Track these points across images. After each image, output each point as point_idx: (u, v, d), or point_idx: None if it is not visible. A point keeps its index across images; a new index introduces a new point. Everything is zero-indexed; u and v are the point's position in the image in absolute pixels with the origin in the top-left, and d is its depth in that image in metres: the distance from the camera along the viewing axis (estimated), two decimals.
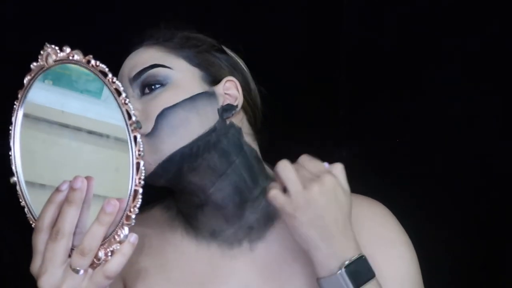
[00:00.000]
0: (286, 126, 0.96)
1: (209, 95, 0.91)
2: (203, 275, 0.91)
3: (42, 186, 0.79)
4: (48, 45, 0.79)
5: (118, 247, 0.74)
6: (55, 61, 0.78)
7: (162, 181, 0.88)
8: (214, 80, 0.93)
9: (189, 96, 0.89)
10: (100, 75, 0.76)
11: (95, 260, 0.74)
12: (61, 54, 0.78)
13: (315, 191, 0.78)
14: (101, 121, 0.78)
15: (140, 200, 0.74)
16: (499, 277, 1.30)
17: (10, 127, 0.82)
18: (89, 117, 0.78)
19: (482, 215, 1.29)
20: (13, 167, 0.81)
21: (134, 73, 0.90)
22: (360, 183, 1.31)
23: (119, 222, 0.74)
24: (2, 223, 1.29)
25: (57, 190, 0.75)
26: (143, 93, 0.90)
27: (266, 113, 1.02)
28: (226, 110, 0.91)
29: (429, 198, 1.29)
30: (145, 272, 0.93)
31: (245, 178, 0.92)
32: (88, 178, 0.75)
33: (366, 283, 0.79)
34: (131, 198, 0.74)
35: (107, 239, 0.74)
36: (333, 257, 0.79)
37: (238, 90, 0.94)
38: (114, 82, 0.75)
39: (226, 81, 0.94)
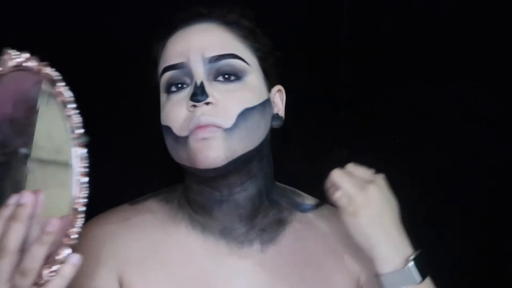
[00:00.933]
0: (286, 126, 0.96)
1: (269, 102, 0.92)
2: (208, 271, 0.91)
3: None
4: (9, 51, 0.76)
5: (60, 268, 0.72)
6: (13, 66, 0.75)
7: (217, 174, 0.87)
8: (269, 86, 0.94)
9: (262, 100, 0.89)
10: (47, 83, 0.73)
11: (38, 279, 0.71)
12: (18, 60, 0.75)
13: (373, 191, 0.84)
14: (44, 134, 0.74)
15: (82, 219, 0.72)
16: (499, 277, 1.30)
17: None
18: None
19: (482, 215, 1.29)
20: None
21: (212, 54, 0.88)
22: None
23: (61, 242, 0.71)
24: None
25: (5, 205, 0.71)
26: (214, 78, 0.88)
27: None
28: (275, 119, 0.93)
29: (429, 197, 1.29)
30: (144, 268, 0.91)
31: (266, 183, 0.93)
32: (36, 193, 0.71)
33: (427, 276, 0.84)
34: (72, 216, 0.72)
35: (50, 258, 0.72)
36: (397, 252, 0.83)
37: (282, 101, 0.96)
38: (61, 93, 0.72)
39: (277, 90, 0.95)
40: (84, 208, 0.71)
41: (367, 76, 1.32)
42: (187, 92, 0.88)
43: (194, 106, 0.85)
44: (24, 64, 0.75)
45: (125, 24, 1.21)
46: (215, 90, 0.87)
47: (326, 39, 1.32)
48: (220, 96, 0.86)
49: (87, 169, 0.71)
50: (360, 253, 0.88)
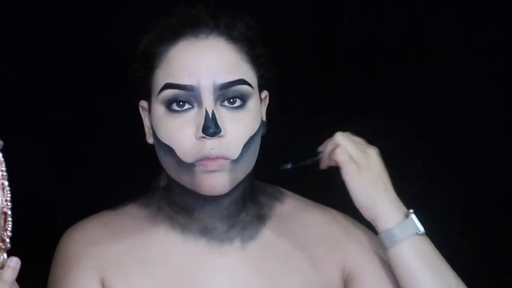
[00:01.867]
0: (286, 126, 0.96)
1: (263, 121, 0.92)
2: (189, 270, 0.91)
3: None
4: None
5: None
6: None
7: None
8: (261, 99, 0.93)
9: (259, 122, 0.90)
10: None
11: None
12: None
13: (373, 155, 0.93)
14: None
15: (10, 222, 0.71)
16: (499, 277, 1.30)
17: None
18: None
19: (482, 213, 1.29)
20: None
21: (223, 81, 0.85)
22: None
23: None
24: None
25: None
26: (221, 103, 0.86)
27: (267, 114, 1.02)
28: (263, 127, 0.92)
29: (429, 197, 1.29)
30: (124, 269, 0.92)
31: (250, 187, 0.94)
32: None
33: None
34: (2, 220, 0.71)
35: None
36: (397, 208, 0.90)
37: (266, 106, 0.95)
38: None
39: (265, 96, 0.95)
40: (10, 212, 0.70)
41: (367, 76, 1.32)
42: (193, 114, 0.86)
43: (204, 137, 0.85)
44: None
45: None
46: (223, 118, 0.86)
47: (326, 39, 1.32)
48: (228, 126, 0.86)
49: (6, 173, 0.70)
50: (343, 242, 0.92)
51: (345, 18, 1.32)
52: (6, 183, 0.71)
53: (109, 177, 1.24)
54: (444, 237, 0.96)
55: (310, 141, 1.32)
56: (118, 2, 1.23)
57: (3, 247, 0.71)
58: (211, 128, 0.84)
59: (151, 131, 0.91)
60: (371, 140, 1.32)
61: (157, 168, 0.95)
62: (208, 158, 0.84)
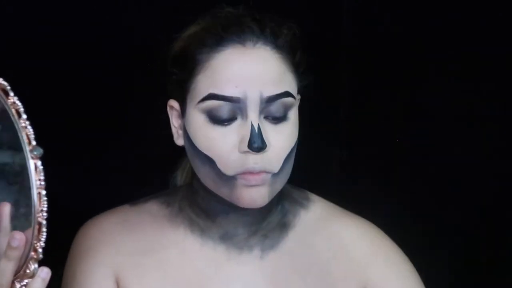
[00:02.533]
0: None
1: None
2: (205, 275, 0.90)
3: None
4: None
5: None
6: None
7: None
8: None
9: (297, 132, 0.87)
10: (0, 93, 0.69)
11: None
12: None
13: None
14: None
15: (45, 232, 0.70)
16: (498, 278, 1.30)
17: None
18: None
19: (482, 217, 1.29)
20: None
21: (269, 94, 0.82)
22: (359, 183, 1.32)
23: (28, 256, 0.70)
24: None
25: None
26: (265, 116, 0.83)
27: None
28: None
29: (429, 197, 1.29)
30: (141, 269, 0.90)
31: (279, 192, 0.90)
32: (2, 205, 0.70)
33: None
34: (36, 230, 0.70)
35: (19, 273, 0.71)
36: None
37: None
38: (15, 103, 0.69)
39: (298, 99, 0.91)
40: (45, 222, 0.69)
41: (367, 76, 1.32)
42: (236, 126, 0.83)
43: (249, 151, 0.82)
44: None
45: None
46: (266, 131, 0.83)
47: (326, 39, 1.32)
48: (271, 139, 0.83)
49: (44, 182, 0.69)
50: (367, 260, 0.89)
51: (345, 18, 1.31)
52: (44, 192, 0.69)
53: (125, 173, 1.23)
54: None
55: (310, 141, 1.32)
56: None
57: (35, 257, 0.70)
58: (257, 143, 0.81)
59: (180, 132, 0.89)
60: (371, 140, 1.32)
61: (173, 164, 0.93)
62: (251, 173, 0.82)
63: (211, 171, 0.84)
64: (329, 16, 1.32)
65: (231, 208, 0.87)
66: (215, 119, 0.83)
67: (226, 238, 0.90)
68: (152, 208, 0.95)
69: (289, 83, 0.85)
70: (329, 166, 1.35)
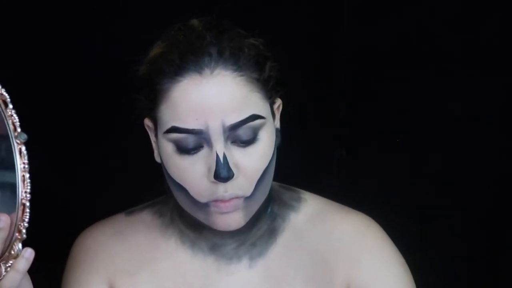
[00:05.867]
0: (286, 126, 0.95)
1: (278, 137, 0.89)
2: (196, 287, 0.91)
3: None
4: None
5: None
6: None
7: None
8: (273, 113, 0.89)
9: (274, 147, 0.86)
10: None
11: None
12: None
13: None
14: None
15: (28, 213, 0.73)
16: (498, 279, 1.30)
17: None
18: None
19: (482, 217, 1.29)
20: None
21: (233, 121, 0.80)
22: (359, 183, 1.32)
23: (12, 237, 0.73)
24: None
25: None
26: (232, 142, 0.82)
27: None
28: (277, 137, 0.88)
29: (429, 197, 1.29)
30: (134, 279, 0.92)
31: (265, 201, 0.90)
32: None
33: None
34: (20, 211, 0.73)
35: (4, 255, 0.74)
36: None
37: (279, 112, 0.91)
38: (2, 94, 0.73)
39: (278, 105, 0.90)
40: (28, 204, 0.73)
41: (367, 76, 1.32)
42: (203, 155, 0.82)
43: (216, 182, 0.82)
44: None
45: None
46: (234, 156, 0.82)
47: (326, 39, 1.32)
48: (240, 165, 0.82)
49: (27, 166, 0.73)
50: (356, 256, 0.88)
51: (345, 18, 1.31)
52: (27, 175, 0.73)
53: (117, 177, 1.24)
54: None
55: (310, 141, 1.32)
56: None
57: (19, 237, 0.73)
58: (222, 173, 0.80)
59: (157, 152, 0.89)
60: (371, 140, 1.32)
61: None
62: (221, 200, 0.83)
63: (185, 197, 0.85)
64: (329, 16, 1.32)
65: None
66: (182, 149, 0.82)
67: (215, 249, 0.91)
68: (146, 218, 0.96)
69: (254, 105, 0.82)
70: (329, 166, 1.35)
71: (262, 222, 0.91)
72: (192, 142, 0.82)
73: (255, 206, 0.86)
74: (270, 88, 0.86)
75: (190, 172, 0.83)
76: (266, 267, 0.91)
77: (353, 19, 1.31)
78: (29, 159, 0.73)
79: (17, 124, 0.73)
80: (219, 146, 0.81)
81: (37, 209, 0.75)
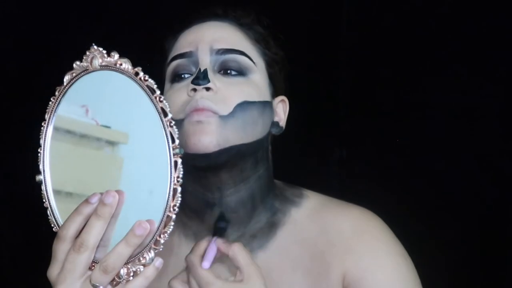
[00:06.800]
0: (286, 126, 0.96)
1: (271, 107, 0.93)
2: None
3: (69, 194, 0.78)
4: (95, 47, 0.75)
5: (141, 269, 0.73)
6: (100, 65, 0.74)
7: (207, 164, 0.87)
8: (273, 93, 0.94)
9: (263, 99, 0.90)
10: (147, 90, 0.72)
11: (115, 277, 0.73)
12: (108, 60, 0.74)
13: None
14: (139, 140, 0.75)
15: (171, 227, 0.72)
16: (497, 279, 1.30)
17: (43, 124, 0.78)
18: (126, 135, 0.75)
19: (481, 217, 1.29)
20: (41, 166, 0.78)
21: (220, 46, 0.89)
22: (359, 183, 1.33)
23: (147, 245, 0.73)
24: (2, 224, 1.29)
25: (87, 202, 0.73)
26: (219, 71, 0.89)
27: None
28: (275, 126, 0.93)
29: (429, 197, 1.29)
30: None
31: (261, 188, 0.92)
32: (119, 193, 0.73)
33: None
34: (163, 223, 0.72)
35: (131, 259, 0.73)
36: None
37: (284, 112, 0.96)
38: (161, 101, 0.72)
39: (280, 100, 0.95)
40: (174, 217, 0.72)
41: (367, 76, 1.32)
42: (190, 79, 0.88)
43: (194, 90, 0.86)
44: (118, 65, 0.73)
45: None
46: (217, 80, 0.88)
47: (326, 39, 1.32)
48: (221, 86, 0.87)
49: (181, 180, 0.72)
50: (352, 248, 0.89)
51: (345, 18, 1.32)
52: (179, 189, 0.72)
53: None
54: None
55: (310, 141, 1.33)
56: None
57: (155, 247, 0.73)
58: (199, 78, 0.86)
59: None
60: (371, 139, 1.33)
61: None
62: (196, 110, 0.85)
63: None
64: (329, 16, 1.32)
65: (215, 200, 0.89)
66: (174, 79, 0.90)
67: None
68: None
69: (245, 47, 0.91)
70: (329, 166, 1.35)
71: (261, 215, 0.92)
72: (184, 68, 0.90)
73: (231, 134, 0.86)
74: (268, 48, 0.93)
75: (175, 94, 0.88)
76: (266, 259, 0.91)
77: (353, 19, 1.31)
78: None
79: (176, 136, 0.72)
80: (203, 64, 0.88)
81: None
